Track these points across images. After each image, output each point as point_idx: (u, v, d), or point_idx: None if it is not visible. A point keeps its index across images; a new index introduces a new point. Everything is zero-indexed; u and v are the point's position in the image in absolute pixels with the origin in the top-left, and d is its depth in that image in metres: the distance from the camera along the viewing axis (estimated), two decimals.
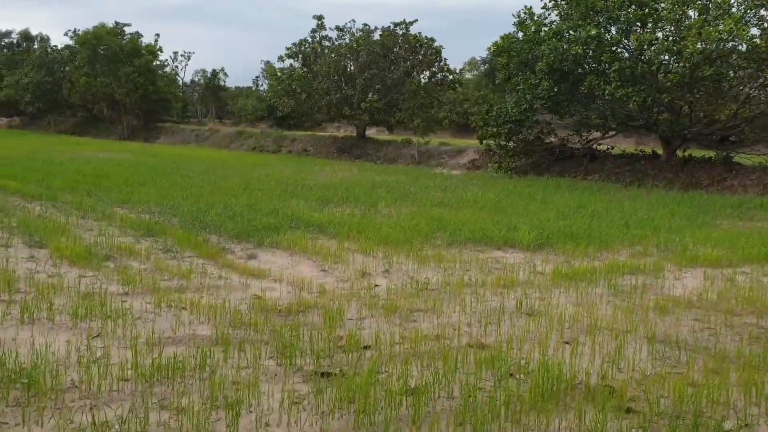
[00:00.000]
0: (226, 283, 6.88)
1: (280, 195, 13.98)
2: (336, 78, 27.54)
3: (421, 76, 28.59)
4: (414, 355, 4.91)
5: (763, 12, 17.36)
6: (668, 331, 5.86)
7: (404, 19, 28.99)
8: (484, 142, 22.25)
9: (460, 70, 29.86)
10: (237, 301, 6.18)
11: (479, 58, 57.46)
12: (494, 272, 7.81)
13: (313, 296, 6.49)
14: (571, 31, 18.19)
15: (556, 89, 18.93)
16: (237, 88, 64.42)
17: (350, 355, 4.83)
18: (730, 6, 17.93)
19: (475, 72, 58.98)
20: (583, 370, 4.72)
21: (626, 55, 17.99)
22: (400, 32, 28.63)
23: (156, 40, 52.56)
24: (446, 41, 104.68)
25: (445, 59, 29.39)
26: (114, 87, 39.92)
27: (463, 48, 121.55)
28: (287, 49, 28.60)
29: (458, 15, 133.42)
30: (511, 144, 22.00)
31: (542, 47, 18.62)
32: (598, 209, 13.23)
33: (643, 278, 7.76)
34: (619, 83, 16.94)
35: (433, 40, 29.15)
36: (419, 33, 29.26)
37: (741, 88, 17.39)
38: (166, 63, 56.11)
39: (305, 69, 28.72)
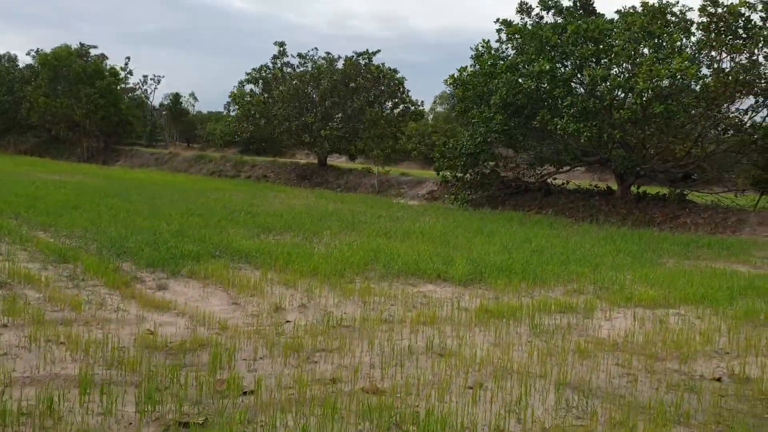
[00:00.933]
0: (120, 316, 6.40)
1: (220, 221, 13.51)
2: (296, 105, 27.24)
3: (384, 107, 28.41)
4: (297, 402, 4.49)
5: (713, 53, 17.51)
6: (584, 376, 5.52)
7: (367, 49, 28.95)
8: (440, 173, 22.06)
9: (432, 102, 29.64)
10: (124, 337, 5.70)
11: (450, 91, 57.89)
12: (418, 308, 7.44)
13: (212, 333, 6.04)
14: (525, 66, 18.15)
15: (510, 123, 18.82)
16: (210, 112, 64.06)
17: (225, 402, 4.40)
18: (684, 45, 18.11)
19: (446, 105, 59.40)
20: (477, 421, 4.33)
21: (581, 90, 17.97)
22: (363, 62, 28.51)
23: (126, 63, 52.08)
24: (427, 74, 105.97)
25: (408, 91, 29.33)
26: (74, 108, 39.16)
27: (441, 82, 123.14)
28: (247, 74, 28.34)
29: (444, 49, 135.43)
30: (467, 176, 21.83)
31: (496, 81, 18.54)
32: (542, 244, 12.98)
33: (572, 318, 7.45)
34: (571, 118, 16.87)
35: (395, 71, 29.12)
36: (382, 64, 29.23)
37: (693, 126, 17.43)
38: (136, 87, 55.53)
39: (265, 95, 28.40)
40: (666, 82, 16.62)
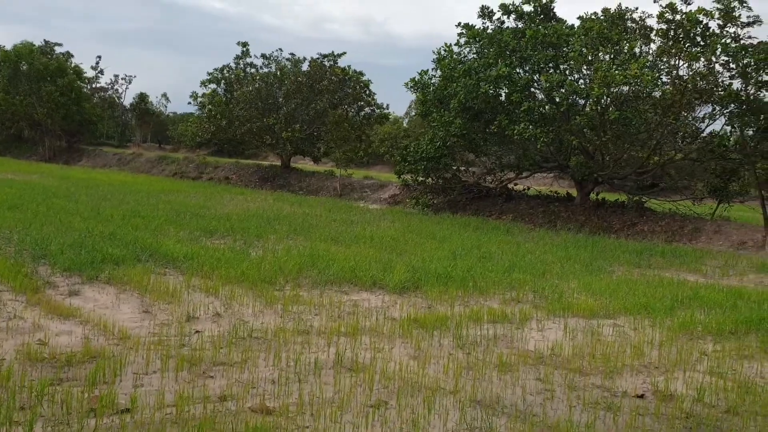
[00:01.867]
0: (14, 324, 5.98)
1: (162, 224, 13.06)
2: (258, 106, 26.78)
3: (348, 109, 28.06)
4: (174, 422, 4.13)
5: (672, 60, 17.41)
6: (498, 392, 5.23)
7: (332, 51, 28.63)
8: (401, 177, 21.76)
9: (408, 107, 29.30)
10: (8, 347, 5.30)
11: None
12: (343, 318, 7.10)
13: (109, 343, 5.65)
14: (483, 70, 17.91)
15: (469, 128, 18.58)
16: (183, 113, 63.16)
17: (93, 422, 4.02)
18: (644, 52, 18.03)
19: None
20: None
21: (540, 96, 17.78)
22: (328, 64, 28.16)
23: (97, 63, 51.30)
24: (404, 78, 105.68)
25: (374, 93, 29.03)
26: (35, 106, 38.28)
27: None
28: (209, 74, 27.80)
29: (421, 53, 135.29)
30: (429, 181, 21.58)
31: (455, 85, 18.29)
32: (492, 250, 12.73)
33: (503, 328, 7.17)
34: (528, 124, 16.66)
35: (361, 73, 28.80)
36: (348, 66, 28.90)
37: (650, 134, 17.32)
38: (108, 86, 54.53)
39: (228, 95, 27.92)
40: (624, 89, 16.50)
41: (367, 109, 28.81)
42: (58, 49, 46.75)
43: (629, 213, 18.77)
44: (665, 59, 17.29)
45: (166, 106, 63.25)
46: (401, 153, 21.39)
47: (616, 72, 15.04)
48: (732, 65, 16.86)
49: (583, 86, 16.32)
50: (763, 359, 6.64)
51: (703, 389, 5.56)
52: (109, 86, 55.22)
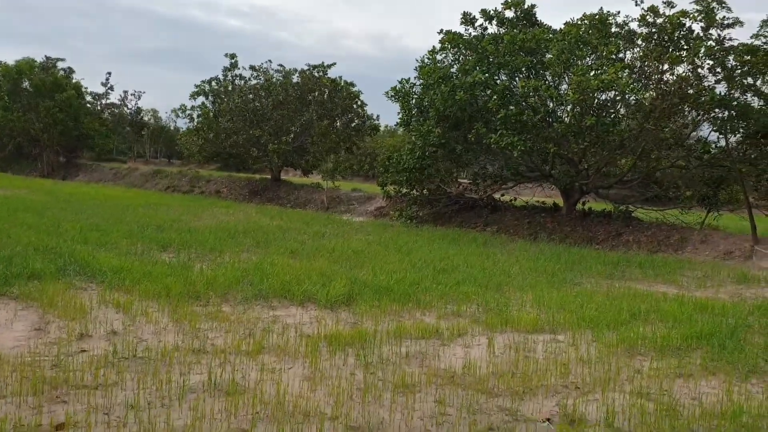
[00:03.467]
0: None
1: (119, 237, 12.69)
2: (245, 118, 26.48)
3: (337, 121, 27.71)
4: None
5: (656, 65, 16.87)
6: (385, 416, 4.77)
7: (323, 62, 28.32)
8: (384, 189, 21.30)
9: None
10: None
11: None
12: (254, 335, 6.64)
13: None
14: (461, 76, 17.43)
15: (448, 137, 18.10)
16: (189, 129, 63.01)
17: None
18: (628, 57, 17.50)
19: None
20: None
21: (523, 103, 17.25)
22: (318, 75, 27.85)
23: (107, 79, 51.49)
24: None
25: (365, 104, 28.65)
26: (33, 121, 38.33)
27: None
28: (196, 86, 27.55)
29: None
30: (414, 192, 21.12)
31: (432, 92, 17.84)
32: (457, 262, 12.22)
33: (427, 345, 6.68)
34: (505, 132, 16.15)
35: (351, 84, 28.45)
36: (339, 77, 28.57)
37: (633, 140, 16.73)
38: (120, 103, 54.56)
39: (216, 107, 27.67)
40: (605, 95, 15.99)
41: (357, 121, 28.41)
42: (60, 65, 47.02)
43: (615, 223, 18.18)
44: (648, 64, 16.74)
45: (175, 121, 63.39)
46: (384, 164, 20.93)
47: (591, 77, 14.52)
48: (718, 69, 16.33)
49: (559, 92, 15.78)
50: (701, 378, 6.10)
51: (616, 412, 5.05)
52: (120, 102, 55.50)
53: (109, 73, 52.54)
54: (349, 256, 12.32)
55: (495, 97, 16.48)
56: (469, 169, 19.96)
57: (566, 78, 16.64)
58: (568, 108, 15.49)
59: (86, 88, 43.10)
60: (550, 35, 17.26)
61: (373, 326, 7.21)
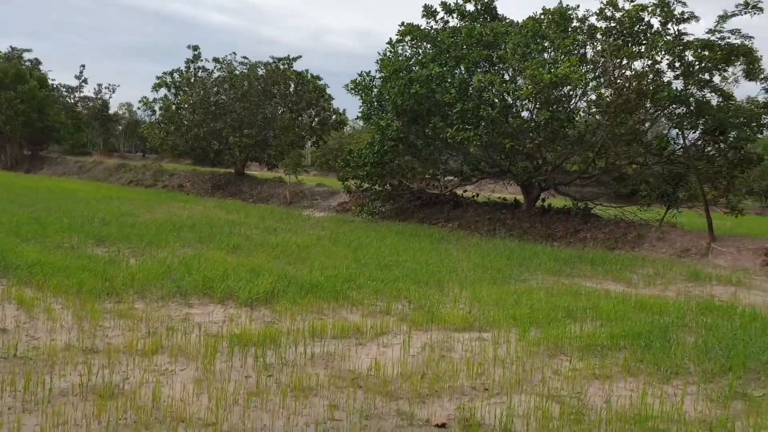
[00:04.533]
0: None
1: (57, 231, 12.24)
2: (206, 110, 25.98)
3: (303, 115, 27.31)
4: None
5: (618, 61, 16.67)
6: (268, 423, 4.45)
7: (288, 55, 27.90)
8: (344, 183, 20.94)
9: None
10: None
11: None
12: (158, 334, 6.30)
13: None
14: (418, 69, 17.09)
15: (406, 131, 17.78)
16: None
17: None
18: (598, 53, 17.29)
19: None
20: None
21: (479, 98, 16.93)
22: (283, 68, 27.42)
23: (81, 72, 50.57)
24: None
25: (331, 98, 28.28)
26: None
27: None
28: (158, 78, 26.96)
29: None
30: (376, 187, 20.79)
31: (389, 85, 17.51)
32: (405, 258, 11.93)
33: (341, 344, 6.38)
34: (461, 126, 15.87)
35: (318, 78, 28.06)
36: (306, 70, 28.18)
37: (591, 136, 16.53)
38: (96, 96, 53.36)
39: (178, 100, 27.14)
40: (561, 90, 15.76)
41: (323, 115, 28.03)
42: (27, 56, 46.10)
43: (573, 220, 18.00)
44: (606, 59, 16.54)
45: (150, 117, 62.30)
46: (345, 158, 20.58)
47: (544, 71, 14.26)
48: (677, 64, 16.17)
49: (516, 87, 15.51)
50: (619, 380, 5.86)
51: (518, 416, 4.78)
52: (96, 95, 54.43)
53: (83, 66, 51.69)
54: (292, 251, 11.98)
55: (453, 90, 16.18)
56: (430, 164, 19.63)
57: (515, 72, 16.37)
58: (524, 102, 15.22)
59: (53, 80, 42.26)
60: (509, 28, 16.98)
61: (289, 325, 6.89)
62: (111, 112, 54.92)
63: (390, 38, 19.08)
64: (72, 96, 51.07)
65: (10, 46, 44.32)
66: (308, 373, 5.49)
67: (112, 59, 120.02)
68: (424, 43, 18.00)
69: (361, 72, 19.38)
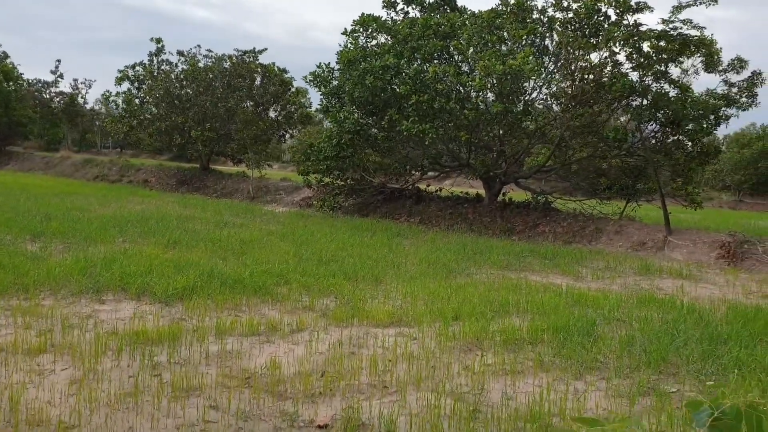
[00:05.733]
0: None
1: None
2: (168, 103, 25.53)
3: (268, 108, 26.93)
4: None
5: (575, 52, 16.48)
6: (135, 425, 4.16)
7: (254, 47, 27.46)
8: (305, 178, 20.63)
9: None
10: None
11: None
12: (53, 332, 5.99)
13: None
14: (374, 60, 16.77)
15: (363, 124, 17.50)
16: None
17: None
18: (555, 47, 17.10)
19: None
20: None
21: (434, 89, 16.66)
22: (248, 60, 27.01)
23: (57, 67, 49.74)
24: None
25: (299, 92, 27.89)
26: None
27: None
28: (120, 71, 26.45)
29: None
30: (338, 182, 20.50)
31: (344, 77, 17.21)
32: (351, 253, 11.65)
33: (246, 342, 6.13)
34: (416, 118, 15.61)
35: (284, 71, 27.66)
36: (272, 63, 27.76)
37: (550, 129, 16.34)
38: (73, 91, 52.42)
39: (141, 94, 26.67)
40: (516, 82, 15.53)
41: (290, 108, 27.67)
42: None
43: (533, 214, 17.83)
44: (563, 51, 16.35)
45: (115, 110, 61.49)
46: (305, 152, 20.26)
47: (496, 62, 14.02)
48: (635, 55, 16.02)
49: (472, 78, 15.25)
50: (530, 375, 5.65)
51: (404, 415, 4.55)
52: (74, 90, 53.57)
53: (59, 61, 50.54)
54: (233, 246, 11.67)
55: (408, 81, 15.92)
56: (391, 158, 19.36)
57: (469, 63, 16.13)
58: (476, 94, 14.96)
59: (23, 74, 41.41)
60: (466, 20, 16.74)
61: (197, 322, 6.61)
62: (88, 107, 54.30)
63: (345, 28, 18.70)
64: (48, 91, 50.26)
65: None
66: (199, 372, 5.22)
67: (92, 55, 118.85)
68: (382, 34, 17.71)
69: (320, 63, 19.06)
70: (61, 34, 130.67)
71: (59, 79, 50.65)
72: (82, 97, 52.93)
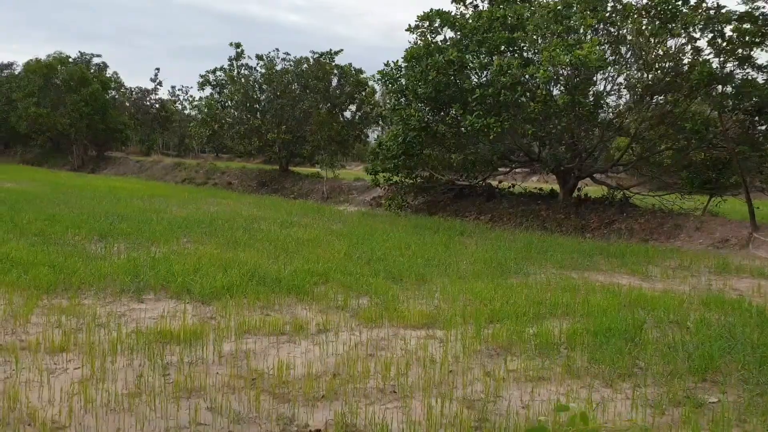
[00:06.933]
0: None
1: (65, 227, 12.39)
2: (246, 107, 26.12)
3: (344, 109, 27.10)
4: None
5: (653, 41, 15.60)
6: (124, 426, 4.15)
7: (330, 49, 27.72)
8: (373, 177, 20.52)
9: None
10: None
11: None
12: (80, 331, 6.13)
13: None
14: (438, 56, 16.42)
15: (428, 120, 17.21)
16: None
17: None
18: (634, 36, 16.28)
19: None
20: None
21: (499, 82, 16.14)
22: (324, 62, 27.26)
23: (156, 75, 52.29)
24: None
25: (373, 92, 27.92)
26: (61, 116, 39.06)
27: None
28: (201, 77, 27.29)
29: None
30: (408, 180, 20.31)
31: (410, 73, 16.96)
32: (400, 253, 11.44)
33: (267, 342, 6.07)
34: (480, 113, 15.19)
35: (360, 71, 27.74)
36: (349, 64, 27.92)
37: (621, 120, 15.53)
38: (174, 99, 54.84)
39: (222, 98, 27.42)
40: (586, 72, 14.86)
41: (365, 108, 27.73)
42: (96, 60, 47.78)
43: (609, 210, 17.04)
44: (638, 40, 15.51)
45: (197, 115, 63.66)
46: (374, 151, 20.19)
47: (561, 52, 13.42)
48: (718, 40, 15.01)
49: (532, 69, 14.64)
50: (557, 383, 5.28)
51: (403, 422, 4.33)
52: (172, 97, 56.06)
53: (158, 69, 52.92)
54: (288, 245, 11.71)
55: (473, 76, 15.55)
56: (458, 154, 18.98)
57: (535, 54, 15.53)
58: (543, 85, 14.37)
59: (123, 83, 43.60)
60: (533, 9, 16.15)
61: (225, 321, 6.60)
62: (186, 113, 56.52)
63: (408, 24, 18.44)
64: (148, 98, 52.62)
65: (79, 51, 46.06)
66: (208, 372, 5.18)
67: (189, 61, 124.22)
68: (447, 29, 17.36)
69: (387, 61, 18.93)
70: (159, 43, 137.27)
71: (158, 86, 53.09)
72: (179, 104, 55.42)
